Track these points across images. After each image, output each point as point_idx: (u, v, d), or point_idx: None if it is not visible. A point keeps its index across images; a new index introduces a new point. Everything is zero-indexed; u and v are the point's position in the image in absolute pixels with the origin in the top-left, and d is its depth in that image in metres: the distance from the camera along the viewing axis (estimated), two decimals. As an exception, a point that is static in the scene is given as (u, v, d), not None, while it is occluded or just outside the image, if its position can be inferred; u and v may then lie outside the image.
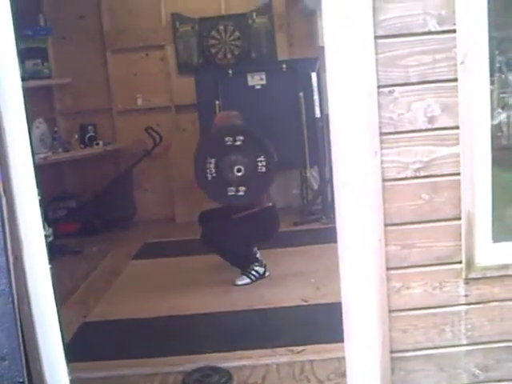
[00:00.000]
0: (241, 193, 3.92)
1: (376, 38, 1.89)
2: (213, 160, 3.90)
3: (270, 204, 4.22)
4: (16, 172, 1.94)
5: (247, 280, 4.12)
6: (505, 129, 2.28)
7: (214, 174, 3.91)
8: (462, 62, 1.89)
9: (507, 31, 2.13)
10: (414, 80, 1.91)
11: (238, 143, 3.92)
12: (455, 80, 1.90)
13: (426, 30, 1.89)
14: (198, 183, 4.04)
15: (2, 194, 1.89)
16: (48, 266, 2.00)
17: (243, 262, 4.18)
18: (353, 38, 1.89)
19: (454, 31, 1.88)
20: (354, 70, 1.90)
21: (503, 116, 2.24)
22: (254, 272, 4.14)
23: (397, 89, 1.92)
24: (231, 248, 4.08)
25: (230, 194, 3.93)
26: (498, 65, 2.12)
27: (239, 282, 4.11)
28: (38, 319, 1.99)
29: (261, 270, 4.17)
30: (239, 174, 3.90)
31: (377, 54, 1.89)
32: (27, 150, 1.97)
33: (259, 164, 3.92)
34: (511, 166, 2.28)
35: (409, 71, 1.91)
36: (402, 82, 1.91)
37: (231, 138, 3.92)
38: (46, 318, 2.01)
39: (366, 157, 1.93)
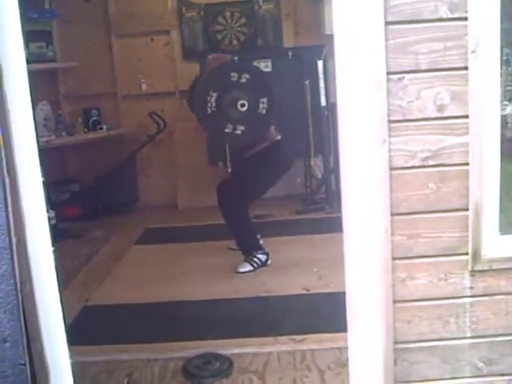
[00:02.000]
0: (238, 131, 3.84)
1: (386, 23, 1.85)
2: (215, 94, 3.81)
3: (279, 138, 4.14)
4: (20, 154, 1.92)
5: (249, 267, 4.11)
6: (511, 121, 2.26)
7: (214, 108, 3.82)
8: (473, 51, 1.86)
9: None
10: (423, 67, 1.88)
11: (242, 80, 3.85)
12: (466, 68, 1.87)
13: (437, 17, 1.86)
14: (197, 117, 4.01)
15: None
16: (51, 249, 1.98)
17: (248, 239, 4.17)
18: (363, 24, 1.86)
19: (465, 19, 1.85)
20: (364, 56, 1.87)
21: (509, 108, 2.22)
22: (256, 259, 4.13)
23: (406, 76, 1.89)
24: (243, 213, 4.11)
25: (226, 130, 3.85)
26: (504, 57, 2.10)
27: (241, 270, 4.10)
28: (40, 302, 1.98)
29: (263, 257, 4.16)
30: (243, 109, 3.81)
31: (387, 40, 1.86)
32: (31, 133, 1.95)
33: (261, 105, 3.85)
34: (516, 158, 2.26)
35: (419, 58, 1.88)
36: (411, 69, 1.88)
37: (237, 75, 3.84)
38: (48, 301, 2.00)
39: (373, 145, 1.91)
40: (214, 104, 3.81)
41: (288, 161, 4.31)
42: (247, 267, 4.11)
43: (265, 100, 3.85)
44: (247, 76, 3.85)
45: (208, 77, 4.09)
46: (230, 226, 4.21)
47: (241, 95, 3.83)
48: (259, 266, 4.13)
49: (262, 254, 4.16)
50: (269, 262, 4.18)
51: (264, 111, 3.86)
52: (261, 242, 4.27)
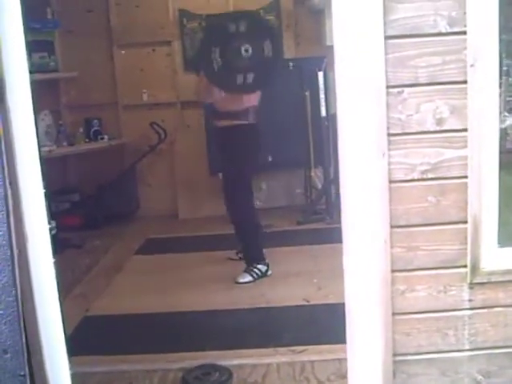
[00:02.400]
0: (249, 80, 3.78)
1: (386, 37, 1.87)
2: (217, 49, 3.74)
3: (254, 122, 4.08)
4: (22, 165, 1.93)
5: (249, 278, 4.11)
6: (510, 132, 2.27)
7: (220, 63, 3.75)
8: (472, 65, 1.87)
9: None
10: (423, 81, 1.90)
11: (241, 29, 3.79)
12: (465, 82, 1.89)
13: (436, 31, 1.88)
14: (206, 77, 3.93)
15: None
16: (52, 260, 1.99)
17: (254, 245, 4.19)
18: (362, 38, 1.88)
19: (464, 33, 1.87)
20: (363, 70, 1.89)
21: (510, 120, 2.23)
22: (256, 270, 4.13)
23: (406, 89, 1.90)
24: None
25: (238, 82, 3.79)
26: (505, 68, 2.12)
27: (241, 280, 4.10)
28: (41, 313, 1.99)
29: (263, 268, 4.16)
30: (248, 54, 3.74)
31: (386, 53, 1.88)
32: (34, 144, 1.96)
33: (265, 48, 3.80)
34: (516, 169, 2.27)
35: (418, 72, 1.89)
36: (411, 82, 1.90)
37: (234, 25, 3.79)
38: (49, 312, 2.00)
39: (373, 157, 1.92)
40: (219, 59, 3.74)
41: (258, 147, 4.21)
42: (247, 278, 4.11)
43: (268, 43, 3.78)
44: (245, 23, 3.79)
45: (207, 34, 4.07)
46: (239, 228, 4.22)
47: (243, 42, 3.76)
48: (259, 277, 4.13)
49: (262, 264, 4.16)
50: (269, 272, 4.19)
51: (270, 53, 3.79)
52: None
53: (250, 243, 4.26)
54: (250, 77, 3.78)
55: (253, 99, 4.02)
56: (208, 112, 4.59)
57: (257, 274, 4.12)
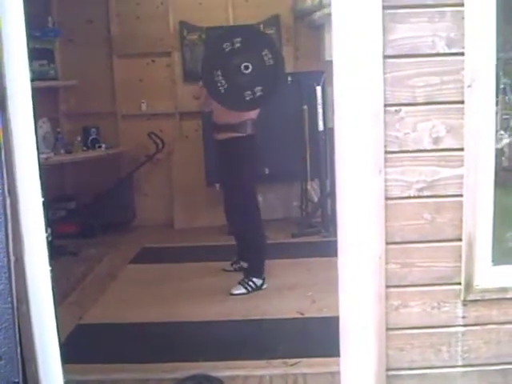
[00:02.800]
0: (258, 93, 3.77)
1: (385, 57, 1.91)
2: (219, 72, 3.74)
3: (252, 132, 4.07)
4: (21, 173, 1.94)
5: (243, 290, 4.11)
6: (507, 150, 2.29)
7: (226, 85, 3.74)
8: (469, 86, 1.90)
9: (512, 53, 2.15)
10: (420, 100, 1.93)
11: (237, 45, 3.77)
12: (462, 102, 1.92)
13: (434, 52, 1.91)
14: (216, 101, 3.94)
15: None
16: (48, 268, 2.00)
17: (257, 253, 4.19)
18: (361, 56, 1.91)
19: (462, 54, 1.90)
20: (362, 88, 1.92)
21: (506, 139, 2.25)
22: (251, 283, 4.13)
23: (403, 108, 1.93)
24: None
25: (247, 98, 3.78)
26: (502, 86, 2.14)
27: (235, 292, 4.10)
28: (36, 321, 2.00)
29: (258, 282, 4.15)
30: (247, 71, 3.73)
31: (385, 73, 1.91)
32: (33, 152, 1.98)
33: (265, 58, 3.77)
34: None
35: (416, 91, 1.93)
36: (408, 101, 1.93)
37: (229, 43, 3.77)
38: (44, 320, 2.01)
39: (370, 174, 1.94)
40: (223, 82, 3.74)
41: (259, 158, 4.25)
42: (241, 290, 4.11)
43: (266, 51, 3.75)
44: (239, 39, 3.76)
45: (205, 59, 4.02)
46: (242, 241, 4.24)
47: (241, 59, 3.74)
48: (253, 290, 4.12)
49: (258, 278, 4.16)
50: (264, 286, 4.18)
51: (271, 61, 3.76)
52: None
53: (251, 256, 4.26)
54: (258, 90, 3.78)
55: (251, 112, 4.03)
56: (207, 124, 4.60)
57: (251, 287, 4.12)
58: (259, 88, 3.75)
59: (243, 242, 4.28)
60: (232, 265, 4.45)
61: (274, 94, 3.92)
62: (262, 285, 4.16)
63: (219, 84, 3.74)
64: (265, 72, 3.78)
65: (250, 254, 4.28)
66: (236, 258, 4.45)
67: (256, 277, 4.15)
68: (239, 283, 4.13)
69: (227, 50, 3.76)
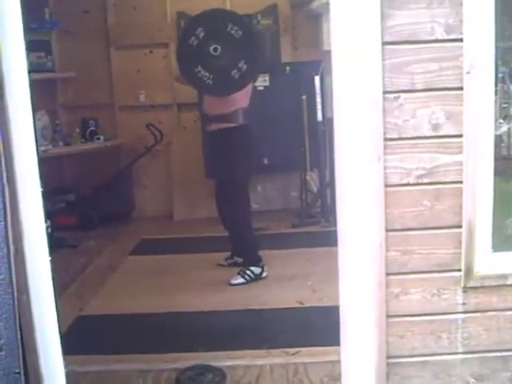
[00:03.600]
0: (244, 67, 3.68)
1: (383, 43, 1.90)
2: (199, 67, 3.69)
3: (244, 122, 4.03)
4: (20, 164, 1.94)
5: (241, 280, 4.09)
6: (506, 139, 2.29)
7: (211, 76, 3.68)
8: (468, 72, 1.90)
9: (511, 42, 2.14)
10: (419, 87, 1.92)
11: (201, 35, 3.67)
12: (461, 89, 1.91)
13: (433, 38, 1.90)
14: (209, 94, 3.94)
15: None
16: (48, 259, 2.00)
17: (249, 245, 4.18)
18: (360, 43, 1.90)
19: (461, 40, 1.90)
20: (360, 75, 1.91)
21: (505, 126, 2.25)
22: (249, 272, 4.12)
23: (402, 95, 1.93)
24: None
25: (236, 76, 3.69)
26: (501, 75, 2.14)
27: (233, 282, 4.09)
28: (37, 311, 2.00)
29: (257, 270, 4.15)
30: (217, 52, 3.66)
31: (383, 59, 1.90)
32: (32, 143, 1.98)
33: (232, 32, 3.65)
34: (511, 175, 2.29)
35: (415, 78, 1.92)
36: (407, 88, 1.92)
37: (193, 37, 3.68)
38: (44, 311, 2.01)
39: (369, 162, 1.94)
40: (207, 74, 3.68)
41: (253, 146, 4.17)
42: (239, 279, 4.10)
43: (230, 26, 3.66)
44: (200, 29, 3.68)
45: (180, 62, 3.89)
46: (233, 234, 4.23)
47: (209, 44, 3.67)
48: (252, 280, 4.12)
49: (256, 266, 4.16)
50: (264, 274, 4.17)
51: (240, 32, 3.68)
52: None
53: (244, 247, 4.26)
54: (242, 64, 3.70)
55: (241, 101, 3.98)
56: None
57: (250, 276, 4.11)
58: (242, 61, 3.69)
59: (234, 235, 4.27)
60: (226, 260, 4.44)
61: (259, 60, 3.86)
62: (261, 273, 4.16)
63: (205, 78, 3.70)
64: (238, 45, 3.71)
65: (242, 247, 4.27)
66: (230, 253, 4.43)
67: (254, 265, 4.15)
68: (238, 273, 4.13)
69: (195, 44, 3.70)
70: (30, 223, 1.96)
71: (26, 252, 1.96)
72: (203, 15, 3.89)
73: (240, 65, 3.68)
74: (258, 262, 4.19)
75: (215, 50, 3.66)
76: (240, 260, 4.31)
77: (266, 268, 4.21)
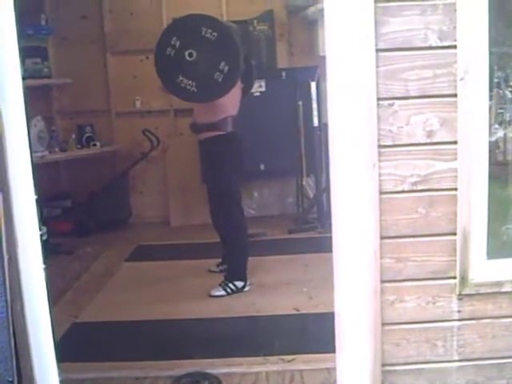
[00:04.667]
0: (226, 68, 3.59)
1: (377, 50, 1.90)
2: (180, 77, 3.62)
3: (232, 130, 3.98)
4: (14, 171, 1.93)
5: (222, 292, 4.03)
6: (501, 144, 2.29)
7: (194, 83, 3.61)
8: (462, 79, 1.90)
9: (506, 47, 2.14)
10: (413, 94, 1.92)
11: (177, 44, 3.60)
12: (455, 95, 1.92)
13: (427, 45, 1.90)
14: (195, 102, 3.91)
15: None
16: (42, 267, 1.99)
17: (238, 258, 4.13)
18: (354, 50, 1.90)
19: (454, 47, 1.90)
20: (355, 82, 1.91)
21: (500, 132, 2.25)
22: (231, 285, 4.05)
23: (396, 102, 1.93)
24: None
25: (220, 79, 3.61)
26: (496, 80, 2.14)
27: (215, 293, 4.03)
28: (30, 319, 1.99)
29: (240, 284, 4.07)
30: (192, 58, 3.58)
31: (377, 66, 1.91)
32: (26, 149, 1.97)
33: (208, 35, 3.58)
34: (506, 181, 2.29)
35: (409, 85, 1.92)
36: (401, 95, 1.93)
37: (170, 48, 3.63)
38: (38, 319, 2.01)
39: (363, 169, 1.94)
40: (190, 82, 3.62)
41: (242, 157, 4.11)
42: (221, 292, 4.04)
43: (204, 29, 3.58)
44: (174, 38, 3.62)
45: (161, 76, 3.82)
46: (225, 243, 4.21)
47: (185, 50, 3.61)
48: (233, 293, 4.05)
49: (239, 281, 4.09)
50: (246, 288, 4.10)
51: (215, 34, 3.59)
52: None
53: (233, 260, 4.20)
54: (223, 65, 3.62)
55: (230, 109, 3.95)
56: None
57: (231, 289, 4.05)
58: (223, 63, 3.62)
59: (226, 243, 4.24)
60: (218, 266, 4.42)
61: (240, 59, 3.73)
62: (243, 287, 4.09)
63: (188, 86, 3.65)
64: (216, 47, 3.63)
65: (231, 256, 4.22)
66: (222, 259, 4.40)
67: (237, 280, 4.09)
68: (219, 285, 4.07)
69: (172, 54, 3.65)
70: (24, 231, 1.96)
71: (20, 260, 1.95)
72: (176, 24, 3.87)
73: (221, 67, 3.62)
74: (242, 275, 4.12)
75: (190, 55, 3.60)
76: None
77: (248, 282, 4.13)
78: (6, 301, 1.90)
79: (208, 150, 4.02)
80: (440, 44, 1.89)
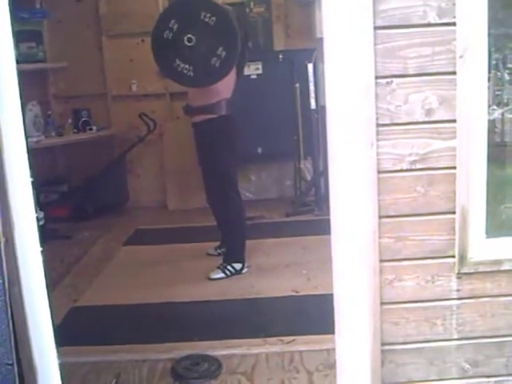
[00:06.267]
0: (223, 54, 3.58)
1: (375, 28, 1.87)
2: (177, 61, 3.60)
3: (227, 113, 3.97)
4: (8, 154, 1.92)
5: (221, 275, 4.06)
6: (499, 126, 2.28)
7: (191, 67, 3.60)
8: (461, 56, 1.88)
9: (504, 28, 2.13)
10: (412, 72, 1.90)
11: (175, 27, 3.58)
12: (454, 73, 1.89)
13: (425, 22, 1.88)
14: (191, 86, 3.89)
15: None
16: (39, 249, 1.98)
17: (236, 240, 4.14)
18: (352, 28, 1.87)
19: (453, 24, 1.87)
20: (353, 60, 1.89)
21: (498, 113, 2.24)
22: (230, 267, 4.08)
23: (395, 80, 1.90)
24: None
25: (217, 65, 3.59)
26: (494, 62, 2.12)
27: (213, 276, 4.05)
28: (29, 302, 1.98)
29: (238, 266, 4.10)
30: (192, 43, 3.56)
31: (375, 44, 1.88)
32: (20, 133, 1.95)
33: (206, 19, 3.55)
34: (504, 162, 2.28)
35: (407, 63, 1.90)
36: (400, 73, 1.90)
37: (167, 30, 3.59)
38: (37, 302, 2.00)
39: (361, 148, 1.92)
40: (187, 66, 3.60)
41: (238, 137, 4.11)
42: (220, 274, 4.06)
43: (203, 13, 3.55)
44: (173, 21, 3.58)
45: (158, 59, 3.78)
46: (222, 226, 4.20)
47: (183, 34, 3.58)
48: (232, 274, 4.07)
49: (237, 262, 4.11)
50: (244, 270, 4.13)
51: (214, 18, 3.56)
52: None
53: (231, 242, 4.22)
54: (221, 50, 3.60)
55: (224, 92, 3.92)
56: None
57: (230, 271, 4.07)
58: (220, 48, 3.60)
59: (223, 226, 4.24)
60: (216, 249, 4.42)
61: (238, 45, 3.72)
62: (241, 269, 4.11)
63: (185, 71, 3.62)
64: (214, 32, 3.61)
65: (229, 238, 4.23)
66: (220, 242, 4.41)
67: (235, 261, 4.11)
68: (218, 267, 4.09)
69: (170, 37, 3.61)
70: (21, 214, 1.94)
71: (17, 243, 1.94)
72: (174, 6, 3.83)
73: (219, 52, 3.60)
74: (240, 257, 4.14)
75: (189, 40, 3.58)
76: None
77: (246, 264, 4.16)
78: (4, 284, 1.89)
79: (202, 133, 4.01)
80: (439, 21, 1.86)
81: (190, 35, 3.58)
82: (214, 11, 3.62)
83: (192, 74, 3.64)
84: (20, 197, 1.93)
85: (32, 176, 1.99)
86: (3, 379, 1.87)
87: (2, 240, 1.88)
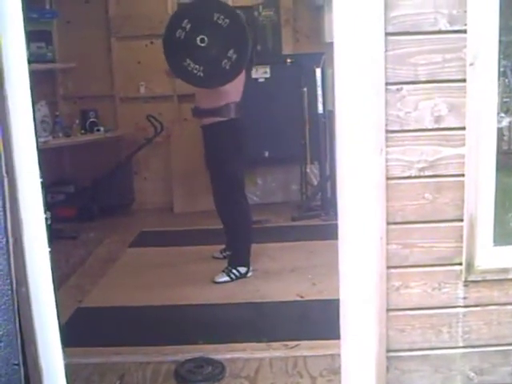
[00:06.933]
0: (234, 56, 3.59)
1: (386, 34, 1.88)
2: (188, 60, 3.61)
3: (236, 116, 3.95)
4: (19, 154, 1.92)
5: (226, 278, 4.05)
6: (507, 133, 2.28)
7: (201, 68, 3.61)
8: (471, 64, 1.88)
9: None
10: (422, 79, 1.90)
11: (188, 27, 3.59)
12: (464, 81, 1.90)
13: (436, 29, 1.88)
14: (200, 87, 3.85)
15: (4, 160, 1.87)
16: (47, 250, 1.99)
17: (242, 245, 4.14)
18: (363, 34, 1.88)
19: (464, 31, 1.88)
20: (363, 66, 1.89)
21: (506, 120, 2.23)
22: (235, 271, 4.07)
23: (405, 87, 1.91)
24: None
25: (227, 67, 3.61)
26: (502, 69, 2.12)
27: (218, 280, 4.04)
28: (36, 302, 1.99)
29: (243, 270, 4.09)
30: (204, 43, 3.58)
31: (386, 50, 1.89)
32: (31, 134, 1.96)
33: (219, 21, 3.57)
34: (512, 170, 2.28)
35: (418, 70, 1.90)
36: (410, 80, 1.91)
37: (180, 30, 3.60)
38: (44, 302, 2.00)
39: (370, 154, 1.92)
40: (197, 66, 3.60)
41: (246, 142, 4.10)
42: (225, 278, 4.05)
43: (217, 15, 3.57)
44: (186, 20, 3.59)
45: (169, 56, 3.76)
46: (228, 230, 4.20)
47: (196, 35, 3.59)
48: (237, 278, 4.06)
49: (242, 266, 4.10)
50: (249, 274, 4.11)
51: (227, 20, 3.58)
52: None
53: (237, 245, 4.20)
54: (231, 53, 3.61)
55: (233, 95, 3.92)
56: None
57: (235, 275, 4.06)
58: (231, 51, 3.60)
59: (229, 230, 4.24)
60: (221, 252, 4.42)
61: (249, 49, 3.73)
62: (246, 273, 4.10)
63: (195, 71, 3.63)
64: (226, 34, 3.62)
65: (234, 242, 4.22)
66: (226, 245, 4.39)
67: (240, 265, 4.10)
68: (223, 271, 4.08)
69: (182, 36, 3.62)
70: (30, 214, 1.95)
71: (25, 243, 1.94)
72: (188, 6, 3.84)
73: (229, 54, 3.61)
74: (246, 261, 4.13)
75: (202, 40, 3.59)
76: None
77: (251, 268, 4.14)
78: (11, 283, 1.89)
79: (211, 136, 4.01)
80: (450, 28, 1.87)
81: (203, 36, 3.60)
82: (227, 13, 3.64)
83: (202, 75, 3.65)
84: (30, 197, 1.94)
85: (41, 177, 2.00)
86: (9, 379, 1.88)
87: (11, 240, 1.88)
